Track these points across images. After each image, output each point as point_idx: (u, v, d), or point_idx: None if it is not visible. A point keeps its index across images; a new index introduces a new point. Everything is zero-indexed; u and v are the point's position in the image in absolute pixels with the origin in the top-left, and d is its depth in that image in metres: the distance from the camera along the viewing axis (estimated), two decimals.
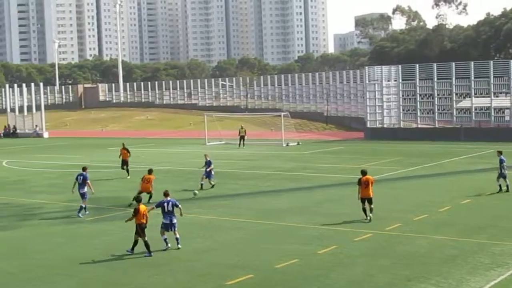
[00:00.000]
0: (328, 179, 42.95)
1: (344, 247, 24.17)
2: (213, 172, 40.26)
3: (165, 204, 24.80)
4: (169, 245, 24.37)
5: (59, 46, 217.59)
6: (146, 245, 23.75)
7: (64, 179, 47.22)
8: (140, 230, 23.86)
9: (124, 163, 47.45)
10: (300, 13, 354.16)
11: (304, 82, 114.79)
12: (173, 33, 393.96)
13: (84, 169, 32.96)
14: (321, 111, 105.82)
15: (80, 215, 31.64)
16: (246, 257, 23.09)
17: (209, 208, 33.18)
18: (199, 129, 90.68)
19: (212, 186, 39.71)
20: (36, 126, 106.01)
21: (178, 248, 24.26)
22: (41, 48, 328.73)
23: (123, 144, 49.14)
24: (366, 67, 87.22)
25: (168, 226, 24.65)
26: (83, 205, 32.09)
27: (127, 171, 46.74)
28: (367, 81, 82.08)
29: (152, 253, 23.58)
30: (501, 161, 35.68)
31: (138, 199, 25.46)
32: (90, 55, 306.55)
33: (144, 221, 23.95)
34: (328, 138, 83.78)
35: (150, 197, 33.65)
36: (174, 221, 24.73)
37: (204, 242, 25.59)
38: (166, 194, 25.13)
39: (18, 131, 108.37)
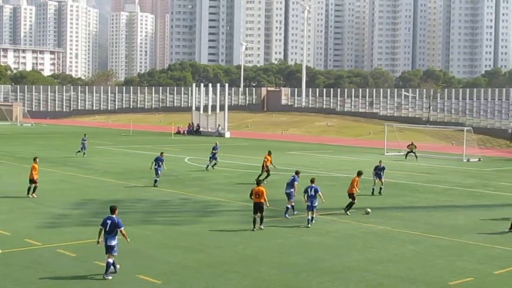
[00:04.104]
0: (509, 198, 41.52)
1: None
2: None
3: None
4: None
5: (246, 48, 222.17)
6: (261, 218, 29.03)
7: (243, 179, 48.14)
8: (258, 208, 28.88)
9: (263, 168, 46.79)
10: (491, 27, 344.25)
11: (490, 98, 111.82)
12: (359, 41, 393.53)
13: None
14: (506, 128, 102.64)
15: (287, 216, 32.33)
16: (418, 271, 22.70)
17: (385, 218, 32.91)
18: (378, 139, 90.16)
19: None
20: (219, 125, 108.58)
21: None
22: (229, 50, 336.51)
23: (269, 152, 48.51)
24: None
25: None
26: (289, 206, 32.95)
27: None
28: None
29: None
30: None
31: (257, 182, 29.97)
32: (275, 59, 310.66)
33: (263, 200, 28.83)
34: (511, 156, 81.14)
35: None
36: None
37: (379, 253, 25.40)
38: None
39: (201, 129, 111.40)
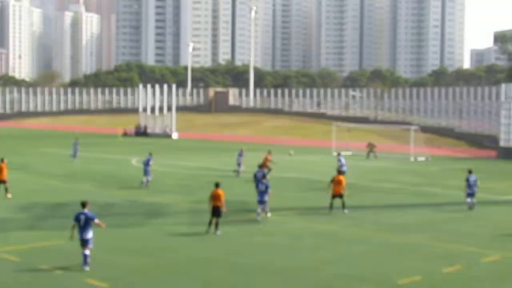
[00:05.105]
0: (456, 196, 41.70)
1: (469, 267, 23.45)
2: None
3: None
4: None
5: (193, 49, 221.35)
6: (217, 223, 27.99)
7: (191, 180, 47.85)
8: (214, 211, 27.92)
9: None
10: (437, 26, 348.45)
11: (436, 97, 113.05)
12: (306, 41, 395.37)
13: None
14: (453, 127, 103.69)
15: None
16: (368, 271, 22.68)
17: (334, 219, 32.86)
18: (327, 139, 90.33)
19: None
20: (166, 126, 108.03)
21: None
22: (176, 50, 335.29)
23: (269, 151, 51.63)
24: (503, 84, 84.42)
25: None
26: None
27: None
28: (503, 99, 79.78)
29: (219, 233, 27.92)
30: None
31: (216, 184, 28.67)
32: (223, 60, 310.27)
33: (219, 204, 27.96)
34: (458, 155, 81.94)
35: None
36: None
37: (328, 253, 25.34)
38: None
39: (148, 130, 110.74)
